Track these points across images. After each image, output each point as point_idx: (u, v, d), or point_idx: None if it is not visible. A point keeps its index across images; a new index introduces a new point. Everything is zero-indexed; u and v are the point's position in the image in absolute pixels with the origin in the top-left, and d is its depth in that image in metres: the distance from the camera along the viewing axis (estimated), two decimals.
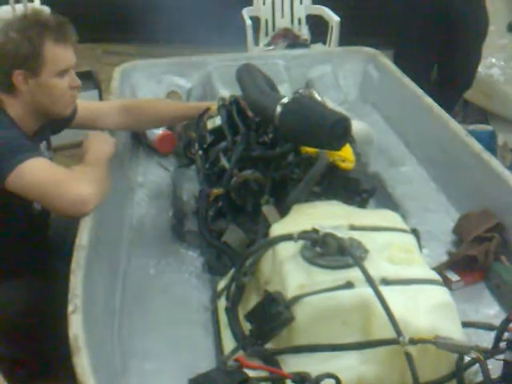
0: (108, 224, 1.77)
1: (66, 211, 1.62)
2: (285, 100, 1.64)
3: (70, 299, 1.33)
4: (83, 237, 1.53)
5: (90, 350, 1.21)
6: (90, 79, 4.01)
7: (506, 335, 1.12)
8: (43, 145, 1.87)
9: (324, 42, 4.29)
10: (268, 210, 1.64)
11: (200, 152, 1.99)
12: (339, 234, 1.31)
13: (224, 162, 1.82)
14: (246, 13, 4.24)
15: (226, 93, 2.27)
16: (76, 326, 1.26)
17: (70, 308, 1.30)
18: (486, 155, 1.92)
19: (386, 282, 1.25)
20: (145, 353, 1.48)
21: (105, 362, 1.35)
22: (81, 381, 1.15)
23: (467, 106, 3.86)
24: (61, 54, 1.71)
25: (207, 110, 2.09)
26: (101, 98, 3.97)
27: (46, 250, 1.94)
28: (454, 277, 1.67)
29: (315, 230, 1.32)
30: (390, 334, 1.14)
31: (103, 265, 1.63)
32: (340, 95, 2.84)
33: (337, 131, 1.56)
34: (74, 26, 1.76)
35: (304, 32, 4.46)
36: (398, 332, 1.13)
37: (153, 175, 2.31)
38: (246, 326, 1.33)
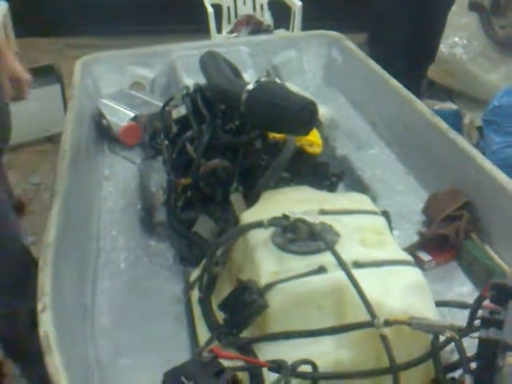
0: (75, 219, 1.74)
1: None
2: (250, 86, 1.62)
3: (38, 298, 1.30)
4: (50, 233, 1.50)
5: (61, 348, 1.19)
6: (51, 73, 3.96)
7: (479, 313, 1.12)
8: None
9: (287, 28, 4.28)
10: (235, 198, 1.63)
11: (166, 142, 1.97)
12: (310, 219, 1.29)
13: (191, 151, 1.80)
14: (208, 1, 4.21)
15: (190, 81, 2.24)
16: (46, 325, 1.24)
17: (40, 307, 1.28)
18: (452, 134, 1.93)
19: (359, 264, 1.24)
20: (118, 348, 1.46)
21: (78, 360, 1.33)
22: (53, 380, 1.13)
23: (432, 86, 3.88)
24: None
25: (171, 98, 2.06)
26: (63, 92, 3.92)
27: None
28: (425, 257, 1.68)
29: (285, 216, 1.31)
30: (364, 317, 1.13)
31: (72, 261, 1.60)
32: (305, 80, 2.83)
33: (304, 116, 1.54)
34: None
35: (267, 18, 4.46)
36: (372, 314, 1.12)
37: (119, 168, 2.27)
38: (221, 316, 1.31)
